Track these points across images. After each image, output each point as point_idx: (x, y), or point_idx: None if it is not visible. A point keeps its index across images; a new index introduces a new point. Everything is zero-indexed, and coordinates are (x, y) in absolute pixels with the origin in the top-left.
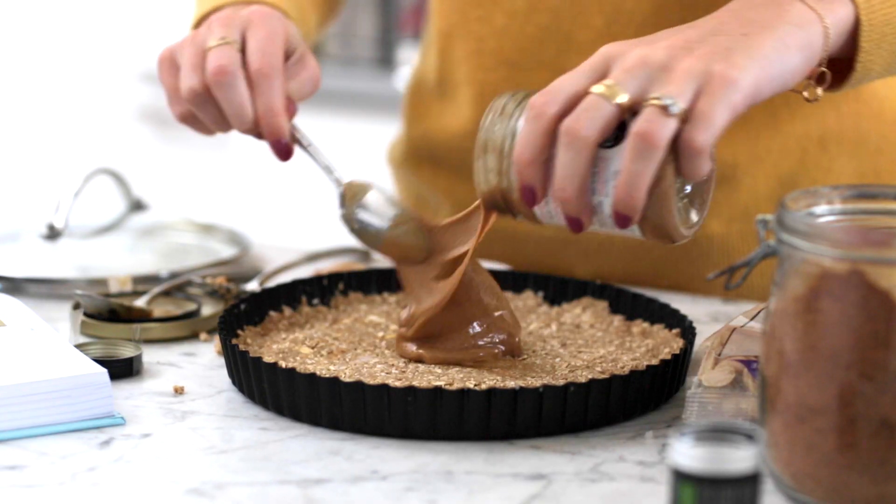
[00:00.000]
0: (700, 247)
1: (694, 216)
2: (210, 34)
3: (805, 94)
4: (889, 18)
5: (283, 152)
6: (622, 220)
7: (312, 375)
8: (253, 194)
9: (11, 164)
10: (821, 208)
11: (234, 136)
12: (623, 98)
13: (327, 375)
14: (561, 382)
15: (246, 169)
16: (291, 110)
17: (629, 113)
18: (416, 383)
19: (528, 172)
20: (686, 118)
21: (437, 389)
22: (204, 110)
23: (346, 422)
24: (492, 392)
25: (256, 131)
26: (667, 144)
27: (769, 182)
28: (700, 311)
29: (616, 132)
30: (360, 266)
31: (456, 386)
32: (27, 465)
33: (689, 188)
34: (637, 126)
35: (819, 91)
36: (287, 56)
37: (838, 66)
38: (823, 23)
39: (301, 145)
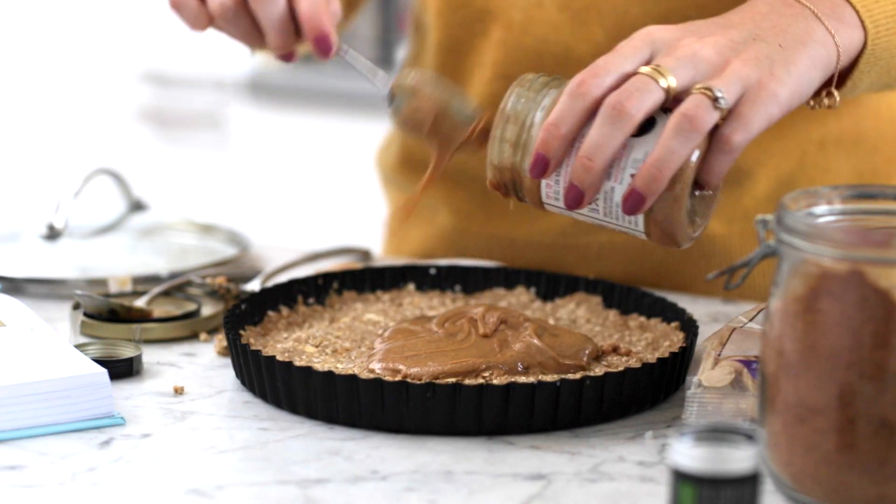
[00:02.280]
0: (701, 247)
1: (696, 227)
2: None
3: (811, 102)
4: (890, 46)
5: (325, 48)
6: (635, 202)
7: (329, 373)
8: (253, 194)
9: (11, 164)
10: (821, 208)
11: (235, 135)
12: (672, 82)
13: (344, 374)
14: (573, 377)
15: (246, 169)
16: (333, 10)
17: (671, 101)
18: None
19: (554, 145)
20: (726, 117)
21: (430, 385)
22: (234, 24)
23: (363, 419)
24: (483, 388)
25: (285, 47)
26: (707, 132)
27: (769, 183)
28: (700, 311)
29: (643, 123)
30: (359, 266)
31: (468, 382)
32: (27, 465)
33: (696, 194)
34: (684, 107)
35: (825, 102)
36: None
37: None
38: (838, 47)
39: (340, 51)
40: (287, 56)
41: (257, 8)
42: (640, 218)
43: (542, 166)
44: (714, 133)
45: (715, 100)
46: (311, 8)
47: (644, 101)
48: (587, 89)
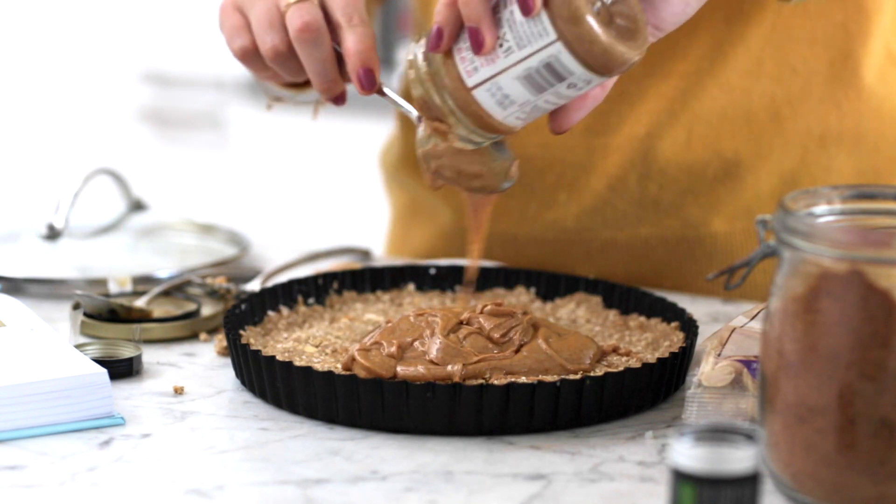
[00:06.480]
0: (703, 246)
1: (624, 36)
2: None
3: None
4: None
5: (370, 83)
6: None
7: (329, 373)
8: (253, 194)
9: (11, 164)
10: (821, 208)
11: (235, 135)
12: None
13: (344, 374)
14: (573, 377)
15: (246, 169)
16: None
17: None
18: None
19: (444, 12)
20: None
21: (430, 385)
22: (284, 67)
23: (363, 418)
24: (483, 388)
25: (333, 89)
26: None
27: (771, 180)
28: (700, 311)
29: None
30: (359, 266)
31: (468, 382)
32: (27, 465)
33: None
34: None
35: None
36: None
37: None
38: None
39: (381, 90)
40: (337, 98)
41: (303, 51)
42: (547, 24)
43: (438, 38)
44: None
45: None
46: (360, 44)
47: None
48: None
